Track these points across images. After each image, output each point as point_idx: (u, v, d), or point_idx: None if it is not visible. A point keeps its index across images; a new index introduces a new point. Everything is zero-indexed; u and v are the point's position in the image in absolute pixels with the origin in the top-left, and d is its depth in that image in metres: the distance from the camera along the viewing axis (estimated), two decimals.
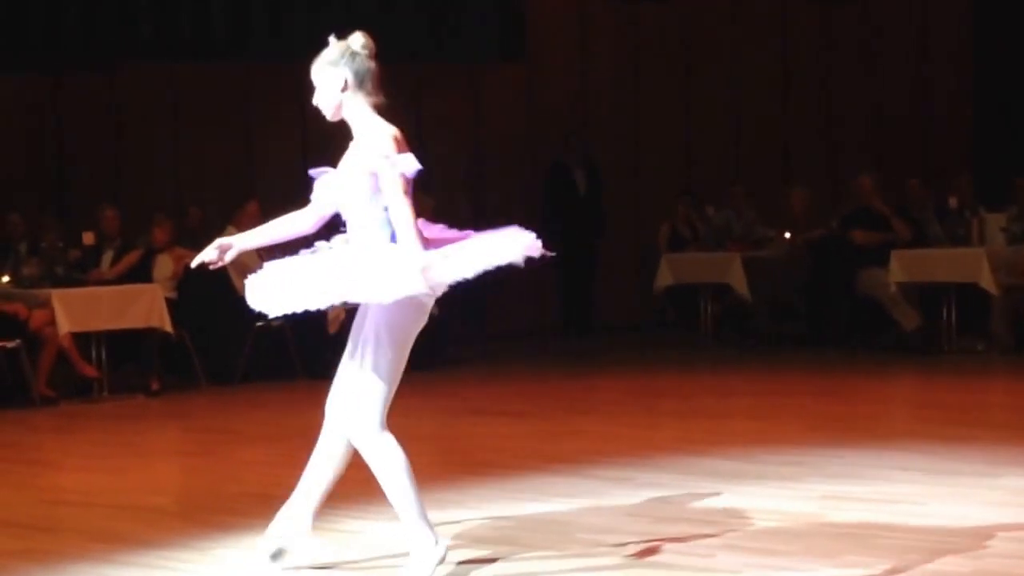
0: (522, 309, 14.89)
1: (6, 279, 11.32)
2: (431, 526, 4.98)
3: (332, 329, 11.04)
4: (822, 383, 10.80)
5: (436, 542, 4.95)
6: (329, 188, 5.13)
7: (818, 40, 16.61)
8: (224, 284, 10.67)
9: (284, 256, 5.06)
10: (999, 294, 11.86)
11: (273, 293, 4.87)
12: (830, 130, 16.63)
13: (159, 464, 8.74)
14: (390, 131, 4.98)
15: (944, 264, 12.16)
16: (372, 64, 5.07)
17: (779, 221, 13.73)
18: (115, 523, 6.44)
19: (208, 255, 5.22)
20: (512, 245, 4.92)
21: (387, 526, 5.75)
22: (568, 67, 15.67)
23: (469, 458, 7.94)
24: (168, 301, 11.31)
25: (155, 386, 11.27)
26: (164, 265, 11.87)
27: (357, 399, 4.97)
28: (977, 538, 5.43)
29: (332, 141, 5.51)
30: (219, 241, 5.23)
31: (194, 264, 5.35)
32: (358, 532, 5.97)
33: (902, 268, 12.21)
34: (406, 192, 4.88)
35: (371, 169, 4.94)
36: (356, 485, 5.77)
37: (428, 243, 5.00)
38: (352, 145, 5.11)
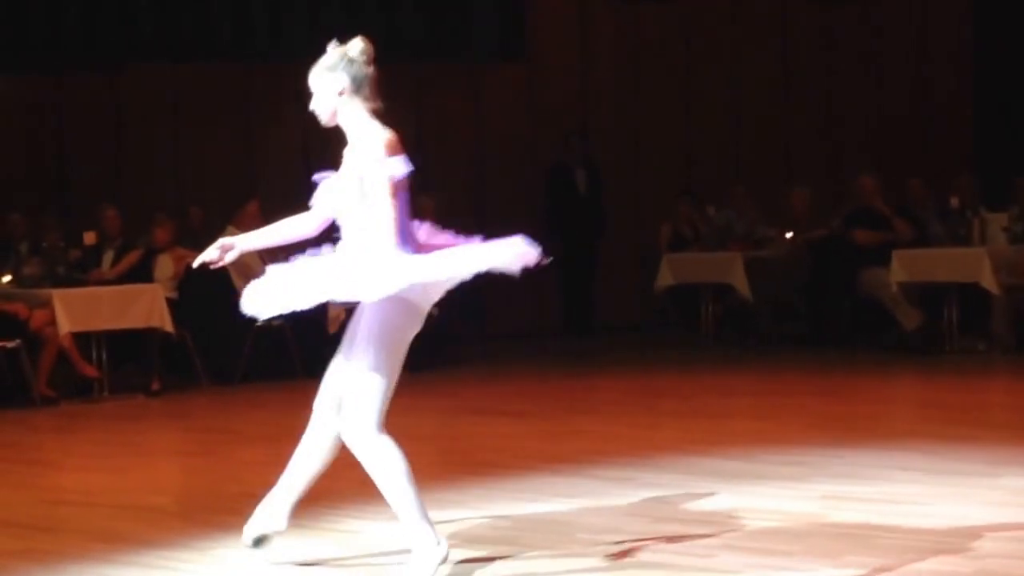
0: (522, 309, 14.87)
1: (7, 279, 11.32)
2: (432, 526, 4.98)
3: (332, 329, 11.04)
4: (823, 383, 10.79)
5: (438, 542, 4.95)
6: (330, 192, 5.16)
7: (818, 40, 16.60)
8: (225, 284, 10.66)
9: (286, 258, 5.08)
10: (1000, 294, 11.85)
11: (263, 297, 4.93)
12: (831, 130, 16.62)
13: (160, 464, 8.74)
14: (384, 135, 5.01)
15: (945, 264, 12.16)
16: (370, 70, 5.10)
17: (780, 221, 13.73)
18: (116, 523, 6.44)
19: (210, 255, 5.26)
20: (507, 252, 4.95)
21: (386, 526, 5.74)
22: (568, 67, 15.67)
23: (469, 458, 7.94)
24: (169, 301, 11.31)
25: (156, 386, 11.27)
26: (165, 265, 11.87)
27: (353, 402, 4.98)
28: (978, 538, 5.42)
29: (330, 143, 5.51)
30: (221, 241, 5.29)
31: (196, 264, 5.38)
32: (357, 532, 5.96)
33: (903, 268, 12.20)
34: (393, 194, 4.91)
35: (362, 172, 4.97)
36: (354, 485, 5.77)
37: (422, 248, 5.04)
38: (347, 150, 5.14)
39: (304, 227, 5.30)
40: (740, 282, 13.21)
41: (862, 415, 9.17)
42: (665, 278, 13.78)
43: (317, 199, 5.22)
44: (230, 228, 11.11)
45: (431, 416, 9.95)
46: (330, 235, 5.23)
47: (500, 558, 5.42)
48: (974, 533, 5.50)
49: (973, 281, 11.88)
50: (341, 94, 5.06)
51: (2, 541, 6.12)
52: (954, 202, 12.71)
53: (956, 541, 5.38)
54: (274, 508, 5.36)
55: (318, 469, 5.31)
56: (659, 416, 9.60)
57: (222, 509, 6.60)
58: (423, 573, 4.94)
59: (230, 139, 14.11)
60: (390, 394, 5.03)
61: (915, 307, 12.33)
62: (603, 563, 5.30)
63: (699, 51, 16.11)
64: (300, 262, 5.02)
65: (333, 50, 5.12)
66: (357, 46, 5.12)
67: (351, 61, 5.08)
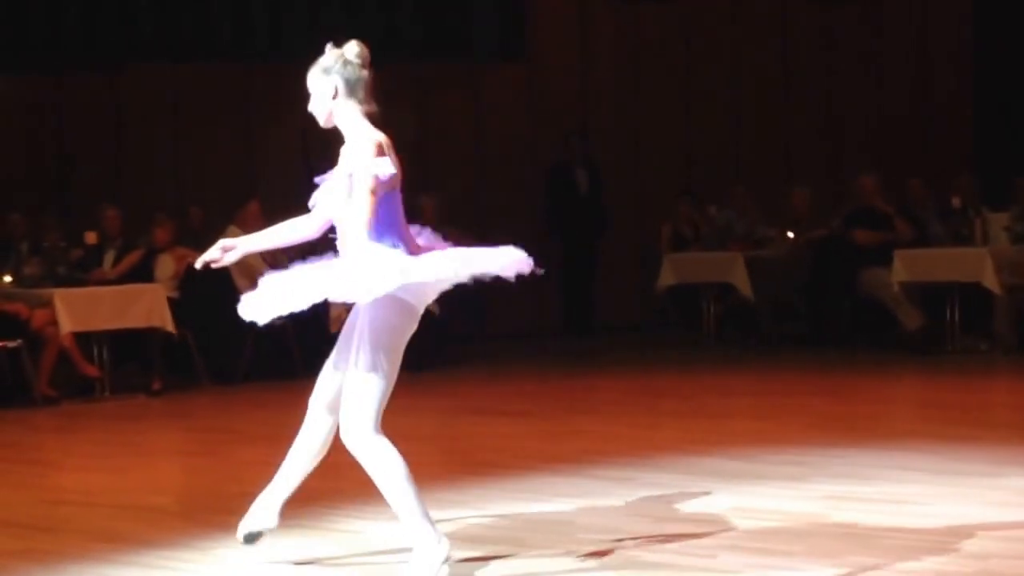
0: (523, 309, 14.86)
1: (8, 279, 11.31)
2: (434, 525, 4.98)
3: (333, 328, 11.03)
4: (824, 383, 10.79)
5: (439, 541, 4.95)
6: (327, 192, 5.18)
7: (818, 40, 16.60)
8: (226, 284, 10.65)
9: (288, 258, 5.10)
10: (1002, 294, 11.85)
11: (259, 301, 4.97)
12: (831, 130, 16.61)
13: (160, 464, 8.73)
14: (375, 137, 5.05)
15: (947, 264, 12.15)
16: (365, 73, 5.14)
17: (781, 221, 13.72)
18: (116, 523, 6.43)
19: (212, 255, 5.28)
20: (501, 258, 5.00)
21: (387, 526, 5.73)
22: (569, 67, 15.66)
23: (469, 458, 7.94)
24: (170, 301, 11.31)
25: (157, 386, 11.26)
26: (166, 265, 11.86)
27: (351, 404, 5.00)
28: (981, 539, 5.41)
29: (330, 144, 5.51)
30: (223, 242, 5.32)
31: (198, 264, 5.40)
32: (358, 532, 5.96)
33: (905, 267, 12.19)
34: (373, 191, 4.93)
35: (350, 171, 5.02)
36: (355, 485, 5.76)
37: (418, 250, 5.08)
38: (342, 151, 5.16)
39: (305, 229, 5.34)
40: (741, 282, 13.21)
41: (863, 415, 9.16)
42: (666, 278, 13.77)
43: (316, 200, 5.23)
44: (231, 228, 11.11)
45: (431, 416, 9.95)
46: (328, 237, 5.25)
47: (500, 558, 5.41)
48: (977, 533, 5.49)
49: (975, 281, 11.88)
50: (335, 96, 5.11)
51: (2, 541, 6.11)
52: (955, 202, 12.70)
53: (958, 541, 5.37)
54: (268, 505, 5.37)
55: (311, 467, 5.33)
56: (659, 416, 9.59)
57: (223, 509, 6.59)
58: (425, 573, 4.93)
59: (230, 139, 14.11)
60: (388, 395, 5.03)
61: (916, 307, 12.32)
62: (604, 563, 5.29)
63: (699, 51, 16.10)
64: (296, 268, 5.04)
65: (329, 52, 5.16)
66: (352, 49, 5.16)
67: (346, 64, 5.12)
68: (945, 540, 5.39)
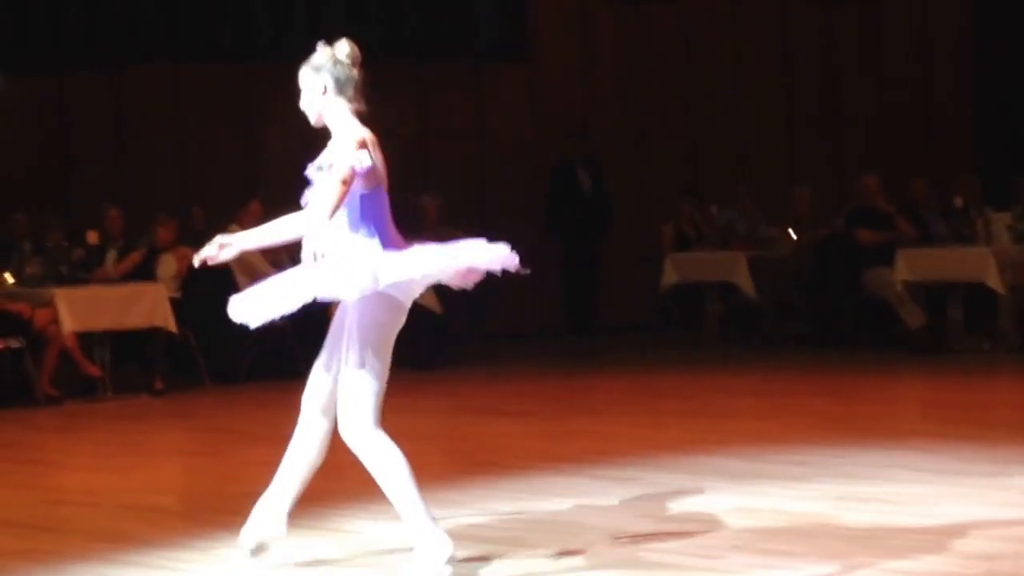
0: (524, 309, 14.86)
1: (10, 278, 11.30)
2: (436, 524, 4.97)
3: None
4: (828, 382, 10.77)
5: (442, 540, 4.94)
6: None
7: (819, 40, 16.58)
8: (228, 284, 10.63)
9: (288, 257, 5.11)
10: (1006, 293, 11.83)
11: (248, 305, 5.02)
12: (832, 129, 16.59)
13: (163, 464, 8.72)
14: (358, 134, 5.07)
15: (951, 263, 12.13)
16: (355, 72, 5.19)
17: (783, 220, 13.71)
18: (118, 523, 6.43)
19: (209, 251, 5.29)
20: (485, 253, 5.01)
21: (389, 526, 5.72)
22: (570, 67, 15.65)
23: (471, 458, 7.93)
24: (172, 300, 11.30)
25: (159, 385, 11.25)
26: (168, 264, 11.85)
27: (348, 403, 5.00)
28: (986, 539, 5.40)
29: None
30: (220, 238, 5.32)
31: (196, 261, 5.41)
32: (360, 532, 5.95)
33: (908, 267, 12.18)
34: (345, 182, 4.93)
35: (329, 163, 5.05)
36: (357, 485, 5.75)
37: (404, 247, 5.08)
38: (328, 148, 5.20)
39: (300, 225, 5.31)
40: (744, 281, 13.19)
41: (866, 415, 9.14)
42: (669, 277, 13.75)
43: (308, 197, 5.24)
44: (233, 227, 11.08)
45: (433, 415, 9.94)
46: None
47: (502, 558, 5.40)
48: (982, 534, 5.47)
49: (979, 280, 11.86)
50: (325, 94, 5.14)
51: (4, 541, 6.10)
52: (957, 201, 12.68)
53: (964, 542, 5.35)
54: (271, 514, 5.32)
55: (310, 470, 5.29)
56: (662, 416, 9.58)
57: (225, 509, 6.58)
58: (428, 572, 4.92)
59: (232, 139, 14.10)
60: (383, 390, 5.04)
61: (920, 306, 12.30)
62: (606, 563, 5.28)
63: (700, 51, 16.09)
64: (286, 271, 5.09)
65: (321, 50, 5.21)
66: (343, 48, 5.20)
67: (336, 62, 5.17)
68: (950, 540, 5.38)
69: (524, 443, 8.44)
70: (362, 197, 5.05)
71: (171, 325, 11.12)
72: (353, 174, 4.95)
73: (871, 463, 7.09)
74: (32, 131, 13.49)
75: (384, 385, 5.04)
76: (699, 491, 6.53)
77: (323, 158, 5.13)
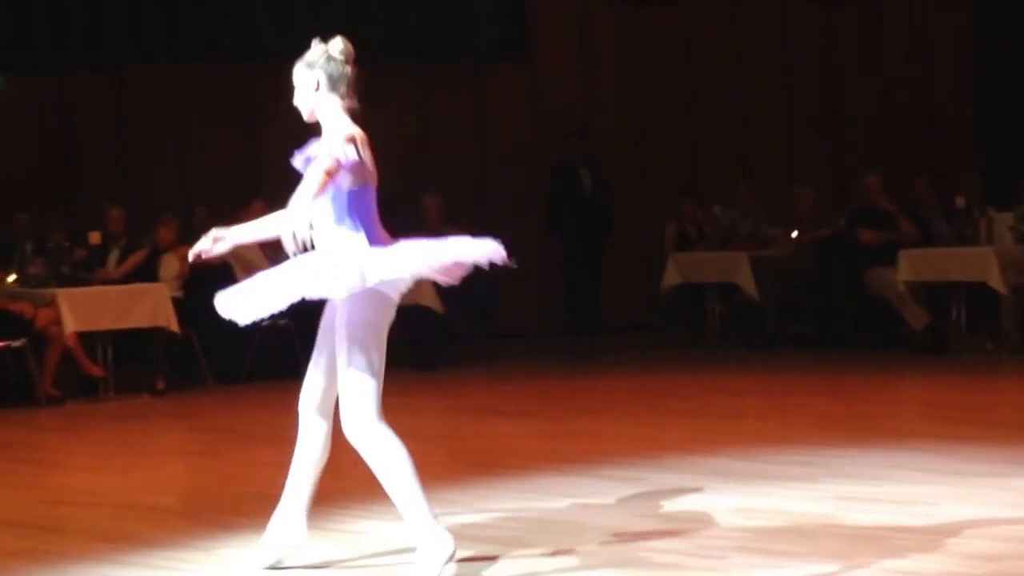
0: (527, 309, 14.86)
1: (12, 278, 11.30)
2: (438, 522, 4.96)
3: None
4: (830, 383, 10.76)
5: (443, 539, 4.93)
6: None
7: (819, 40, 16.58)
8: (230, 283, 10.63)
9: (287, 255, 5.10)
10: (1008, 294, 11.82)
11: (237, 303, 5.04)
12: (834, 129, 16.59)
13: (164, 464, 8.72)
14: (348, 130, 5.07)
15: (953, 263, 12.13)
16: (348, 69, 5.21)
17: (785, 220, 13.70)
18: (120, 523, 6.42)
19: (203, 245, 5.31)
20: (473, 248, 5.00)
21: (391, 526, 5.72)
22: (571, 67, 15.65)
23: (474, 458, 7.92)
24: (174, 300, 11.30)
25: (161, 386, 11.25)
26: (170, 264, 11.85)
27: (348, 401, 5.01)
28: (991, 539, 5.39)
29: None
30: (213, 232, 5.34)
31: (190, 255, 5.44)
32: (362, 532, 5.94)
33: (911, 267, 12.17)
34: (330, 172, 4.92)
35: (315, 155, 5.06)
36: (360, 485, 5.75)
37: (387, 241, 5.09)
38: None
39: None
40: (746, 281, 13.18)
41: (869, 415, 9.13)
42: (671, 277, 13.75)
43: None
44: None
45: (434, 416, 9.94)
46: None
47: (505, 558, 5.39)
48: (986, 534, 5.46)
49: (981, 280, 11.85)
50: (318, 90, 5.17)
51: (5, 541, 6.10)
52: (960, 202, 12.68)
53: (966, 542, 5.34)
54: (290, 524, 5.32)
55: (318, 472, 5.29)
56: (664, 416, 9.57)
57: (227, 509, 6.58)
58: (431, 571, 4.91)
59: (233, 139, 14.10)
60: (380, 385, 5.04)
61: (922, 306, 12.29)
62: (609, 563, 5.27)
63: (700, 51, 16.09)
64: (274, 268, 5.10)
65: (315, 47, 5.24)
66: (337, 45, 5.23)
67: (330, 59, 5.19)
68: (955, 541, 5.37)
69: (525, 443, 8.44)
70: (349, 194, 5.06)
71: (173, 325, 11.12)
72: (338, 166, 4.95)
73: (873, 463, 7.08)
74: (33, 131, 13.49)
75: (381, 380, 5.04)
76: (700, 491, 6.52)
77: (311, 150, 5.13)
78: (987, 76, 16.94)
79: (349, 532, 5.92)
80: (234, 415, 10.30)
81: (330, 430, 5.23)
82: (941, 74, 17.07)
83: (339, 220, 5.07)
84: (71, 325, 10.79)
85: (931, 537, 5.45)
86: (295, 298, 4.98)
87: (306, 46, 5.32)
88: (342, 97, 5.17)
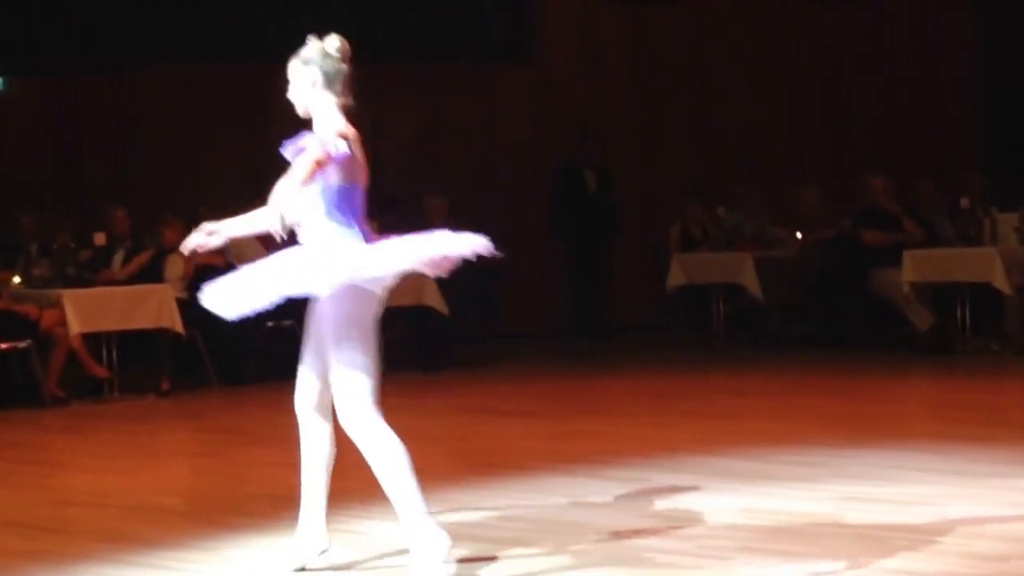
0: (532, 310, 14.86)
1: (17, 280, 11.31)
2: (433, 520, 4.96)
3: None
4: (835, 383, 10.75)
5: (439, 536, 4.94)
6: None
7: (825, 40, 16.56)
8: None
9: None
10: (1013, 294, 11.81)
11: (223, 297, 5.06)
12: (839, 130, 16.58)
13: (169, 465, 8.73)
14: (340, 127, 5.10)
15: (957, 264, 12.11)
16: (343, 66, 5.24)
17: (789, 221, 13.69)
18: (124, 524, 6.43)
19: (196, 239, 5.34)
20: (458, 242, 5.03)
21: (394, 526, 5.71)
22: (576, 68, 15.64)
23: (479, 458, 7.92)
24: (179, 301, 11.29)
25: (166, 386, 11.25)
26: (175, 265, 11.85)
27: (343, 398, 5.03)
28: (997, 540, 5.38)
29: None
30: (205, 225, 5.38)
31: (184, 250, 5.48)
32: (365, 533, 5.94)
33: (915, 268, 12.16)
34: (319, 163, 4.93)
35: (305, 147, 5.07)
36: (362, 485, 5.75)
37: (371, 239, 5.11)
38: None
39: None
40: (751, 282, 13.17)
41: (873, 415, 9.13)
42: (676, 278, 13.74)
43: None
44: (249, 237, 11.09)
45: (441, 416, 9.94)
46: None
47: (510, 558, 5.39)
48: (990, 534, 5.46)
49: (985, 281, 11.84)
50: (313, 87, 5.20)
51: (10, 542, 6.11)
52: (964, 202, 12.67)
53: (972, 543, 5.34)
54: (309, 531, 5.32)
55: (328, 471, 5.29)
56: (667, 416, 9.57)
57: (231, 510, 6.59)
58: (431, 568, 4.92)
59: (239, 139, 14.10)
60: (374, 377, 5.05)
61: (927, 307, 12.28)
62: (614, 563, 5.27)
63: (705, 52, 16.07)
64: (259, 263, 5.13)
65: (311, 44, 5.27)
66: (333, 43, 5.27)
67: (326, 56, 5.23)
68: (959, 542, 5.37)
69: (528, 443, 8.44)
70: (338, 190, 5.08)
71: (178, 326, 11.12)
72: (328, 158, 4.96)
73: (876, 463, 7.08)
74: (37, 132, 13.50)
75: (374, 374, 5.05)
76: (703, 491, 6.52)
77: (303, 141, 5.15)
78: (991, 76, 16.93)
79: (352, 532, 5.91)
80: (239, 416, 10.31)
81: (332, 427, 5.24)
82: (945, 74, 17.05)
83: (326, 216, 5.08)
84: (76, 326, 10.80)
85: (934, 538, 5.45)
86: (280, 296, 4.98)
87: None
88: (337, 95, 5.20)
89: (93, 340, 11.13)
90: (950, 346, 12.09)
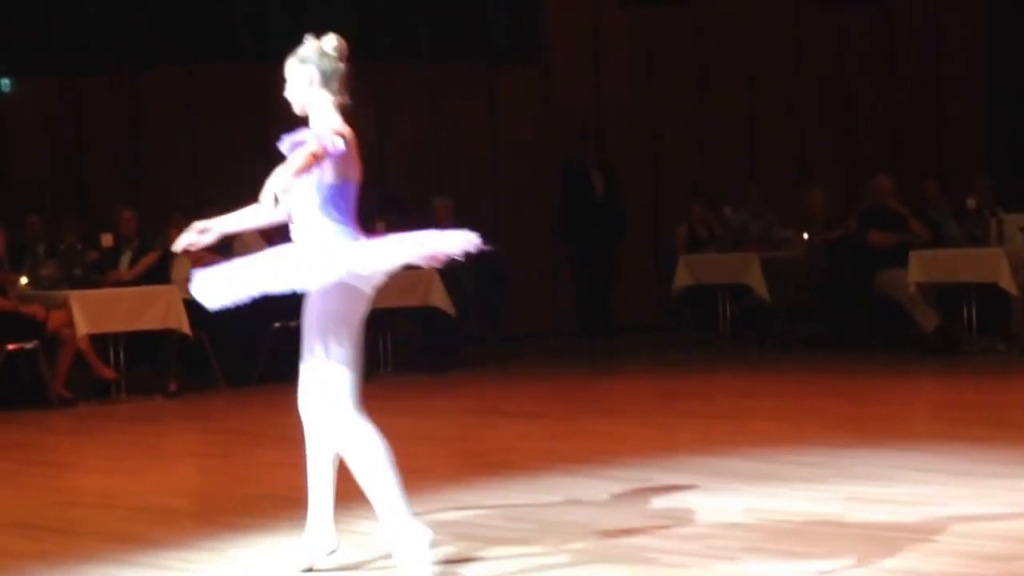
0: (538, 311, 14.86)
1: (24, 280, 11.33)
2: (416, 520, 4.98)
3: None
4: (841, 384, 10.75)
5: (421, 532, 4.95)
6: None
7: (832, 41, 16.56)
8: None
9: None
10: (1019, 295, 11.81)
11: (210, 286, 5.11)
12: (845, 131, 16.57)
13: (176, 466, 8.73)
14: (337, 125, 5.11)
15: (964, 264, 12.11)
16: (341, 65, 5.27)
17: (796, 222, 13.69)
18: (131, 525, 6.43)
19: (188, 238, 5.37)
20: (446, 240, 5.05)
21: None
22: (582, 69, 15.64)
23: (485, 459, 7.92)
24: (186, 302, 11.30)
25: (172, 387, 11.26)
26: (182, 266, 11.85)
27: (324, 394, 5.06)
28: (1002, 540, 5.38)
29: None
30: (198, 224, 5.40)
31: (176, 248, 5.50)
32: (368, 533, 5.93)
33: (921, 268, 12.16)
34: (316, 155, 4.93)
35: (300, 141, 5.09)
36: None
37: (362, 236, 5.14)
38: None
39: (271, 211, 5.35)
40: (757, 283, 13.17)
41: (880, 416, 9.13)
42: (683, 279, 13.75)
43: None
44: (250, 232, 11.10)
45: (447, 417, 9.94)
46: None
47: (515, 557, 5.40)
48: (996, 535, 5.46)
49: (991, 281, 11.84)
50: (311, 85, 5.22)
51: (17, 543, 6.12)
52: (971, 203, 12.66)
53: (980, 543, 5.34)
54: (317, 531, 5.33)
55: (333, 469, 5.30)
56: (675, 417, 9.57)
57: (238, 511, 6.60)
58: (419, 564, 4.92)
59: (247, 140, 14.11)
60: (357, 377, 5.07)
61: (933, 308, 12.28)
62: (620, 563, 5.28)
63: (712, 52, 16.07)
64: (252, 256, 5.16)
65: (308, 42, 5.31)
66: (331, 42, 5.31)
67: (323, 55, 5.26)
68: (966, 542, 5.37)
69: (536, 444, 8.44)
70: (331, 187, 5.11)
71: (185, 327, 11.13)
72: (324, 152, 4.97)
73: (883, 464, 7.08)
74: (46, 133, 13.51)
75: (357, 372, 5.07)
76: (709, 492, 6.52)
77: (300, 135, 5.17)
78: (998, 77, 16.91)
79: (355, 533, 5.91)
80: (245, 417, 10.32)
81: None
82: (952, 75, 17.04)
83: (320, 212, 5.11)
84: (83, 327, 10.81)
85: (938, 538, 5.45)
86: (268, 290, 5.01)
87: None
88: (334, 93, 5.22)
89: (100, 341, 11.14)
90: (956, 347, 12.08)
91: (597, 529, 5.85)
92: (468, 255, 5.05)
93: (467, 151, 14.97)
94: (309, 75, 5.22)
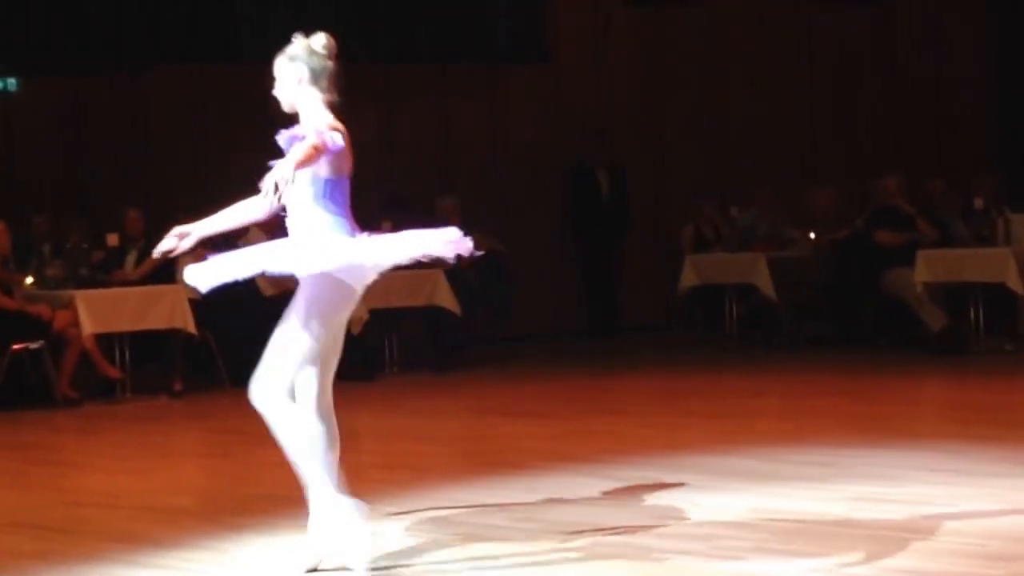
0: (545, 310, 14.85)
1: (30, 280, 11.33)
2: (343, 493, 5.02)
3: (355, 330, 11.02)
4: (848, 384, 10.74)
5: (351, 505, 4.97)
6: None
7: (839, 41, 16.54)
8: (248, 285, 10.64)
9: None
10: None
11: (203, 271, 5.25)
12: (852, 131, 16.56)
13: (182, 465, 8.74)
14: (330, 121, 5.15)
15: (971, 264, 12.10)
16: (330, 63, 5.32)
17: (803, 221, 13.68)
18: (136, 524, 6.43)
19: (167, 244, 5.41)
20: (439, 240, 5.06)
21: (399, 526, 5.72)
22: (589, 69, 15.63)
23: (491, 458, 7.91)
24: (191, 302, 11.31)
25: (178, 387, 11.27)
26: (188, 266, 11.86)
27: (269, 363, 5.13)
28: (1010, 540, 5.37)
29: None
30: (177, 229, 5.42)
31: (155, 254, 5.53)
32: (378, 532, 5.92)
33: (928, 268, 12.14)
34: (317, 148, 4.95)
35: (297, 136, 5.11)
36: (367, 485, 5.74)
37: (357, 232, 5.17)
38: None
39: (256, 209, 5.48)
40: (764, 282, 13.16)
41: (887, 416, 9.11)
42: (689, 278, 13.74)
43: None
44: (253, 229, 11.09)
45: (453, 416, 9.94)
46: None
47: (516, 556, 5.39)
48: (1006, 535, 5.44)
49: (999, 281, 11.82)
50: (300, 83, 5.26)
51: (22, 542, 6.12)
52: (978, 203, 12.65)
53: (986, 543, 5.32)
54: (321, 530, 5.32)
55: (335, 452, 5.30)
56: (683, 417, 9.56)
57: (243, 510, 6.59)
58: (358, 536, 4.94)
59: (252, 140, 14.08)
60: (309, 364, 5.11)
61: (940, 307, 12.26)
62: (624, 563, 5.27)
63: (718, 52, 16.06)
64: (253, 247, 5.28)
65: (298, 41, 5.37)
66: (320, 40, 5.37)
67: (312, 53, 5.32)
68: (972, 542, 5.35)
69: (542, 444, 8.43)
70: (326, 182, 5.14)
71: (190, 327, 11.13)
72: (324, 146, 4.98)
73: (890, 464, 7.07)
74: (51, 133, 13.51)
75: (311, 359, 5.11)
76: (716, 491, 6.51)
77: (297, 129, 5.19)
78: (1005, 76, 16.89)
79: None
80: (251, 417, 10.18)
81: (335, 427, 5.26)
82: (959, 75, 17.02)
83: (315, 206, 5.14)
84: (89, 327, 10.82)
85: (945, 538, 5.44)
86: (258, 270, 5.08)
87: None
88: (323, 91, 5.26)
89: (106, 341, 11.15)
90: (963, 346, 12.06)
91: (600, 528, 5.84)
92: (470, 255, 5.05)
93: (474, 151, 14.96)
94: (298, 73, 5.25)
